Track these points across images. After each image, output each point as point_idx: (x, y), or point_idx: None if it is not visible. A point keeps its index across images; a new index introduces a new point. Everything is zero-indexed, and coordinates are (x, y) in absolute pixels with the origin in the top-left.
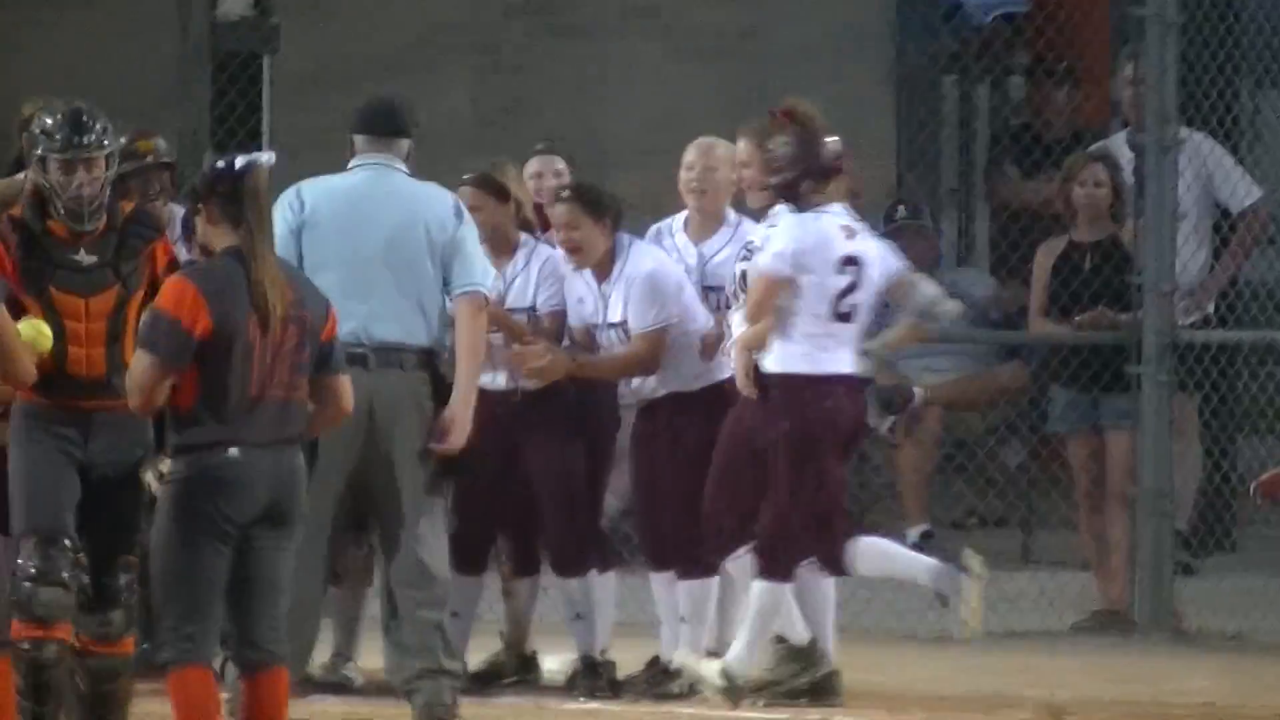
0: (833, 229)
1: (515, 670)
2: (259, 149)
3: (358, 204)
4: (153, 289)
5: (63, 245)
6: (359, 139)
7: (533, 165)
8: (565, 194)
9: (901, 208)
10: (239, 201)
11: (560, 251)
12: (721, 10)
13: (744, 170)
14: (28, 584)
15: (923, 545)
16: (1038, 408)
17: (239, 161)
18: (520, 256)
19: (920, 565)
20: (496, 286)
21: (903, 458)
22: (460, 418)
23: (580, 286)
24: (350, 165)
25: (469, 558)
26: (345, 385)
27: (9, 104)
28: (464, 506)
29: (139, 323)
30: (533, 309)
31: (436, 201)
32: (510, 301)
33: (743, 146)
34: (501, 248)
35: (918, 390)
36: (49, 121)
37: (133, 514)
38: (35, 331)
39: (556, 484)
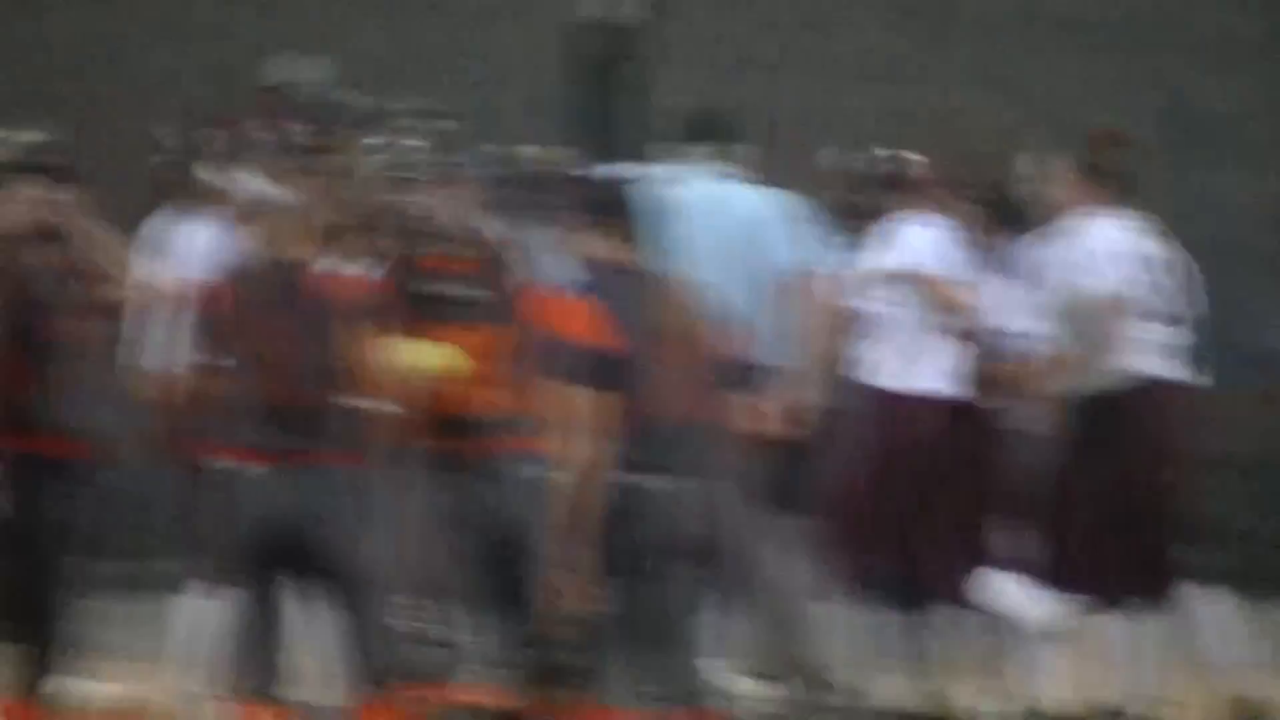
0: None
1: None
2: (646, 160)
3: (708, 212)
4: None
5: (437, 274)
6: (691, 150)
7: None
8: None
9: None
10: (627, 215)
11: None
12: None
13: None
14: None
15: None
16: None
17: (626, 173)
18: None
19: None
20: None
21: None
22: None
23: None
24: (685, 174)
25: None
26: (742, 405)
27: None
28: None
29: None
30: None
31: (772, 203)
32: None
33: None
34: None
35: None
36: (415, 143)
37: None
38: (428, 357)
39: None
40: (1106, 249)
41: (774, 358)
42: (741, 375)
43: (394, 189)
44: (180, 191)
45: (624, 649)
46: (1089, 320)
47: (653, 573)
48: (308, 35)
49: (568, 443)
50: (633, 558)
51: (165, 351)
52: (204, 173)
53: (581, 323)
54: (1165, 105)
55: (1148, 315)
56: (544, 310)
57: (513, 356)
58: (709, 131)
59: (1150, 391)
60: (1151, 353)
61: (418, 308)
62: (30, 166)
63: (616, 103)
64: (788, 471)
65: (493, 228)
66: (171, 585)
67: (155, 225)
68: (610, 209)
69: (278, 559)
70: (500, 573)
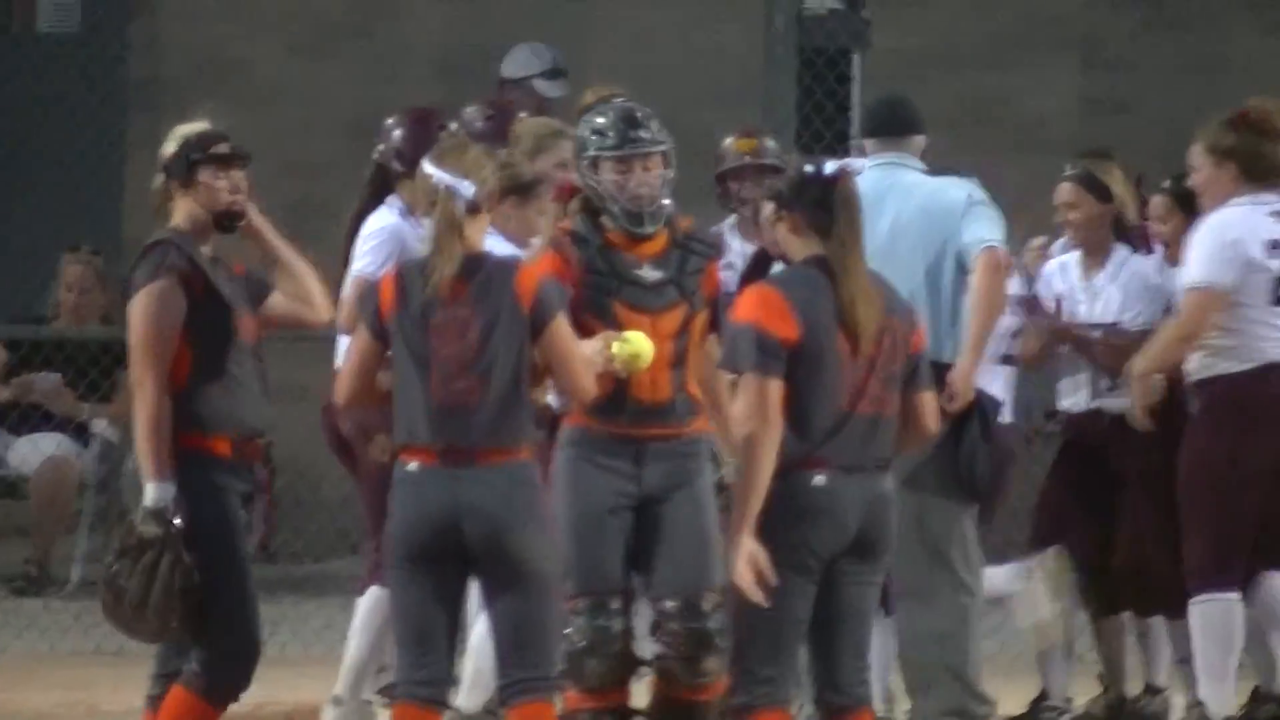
0: None
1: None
2: (846, 153)
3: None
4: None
5: (626, 259)
6: (869, 143)
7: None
8: (1071, 171)
9: None
10: (829, 210)
11: (1151, 264)
12: None
13: None
14: (581, 656)
15: None
16: None
17: (829, 167)
18: (1111, 265)
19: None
20: (1081, 297)
21: None
22: (964, 377)
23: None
24: (869, 166)
25: None
26: (931, 403)
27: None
28: None
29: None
30: (1114, 325)
31: (950, 192)
32: (1096, 314)
33: None
34: (1093, 251)
35: None
36: (600, 120)
37: (701, 546)
38: (637, 347)
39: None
40: (1234, 236)
41: (951, 354)
42: (928, 372)
43: (598, 170)
44: (402, 187)
45: (799, 648)
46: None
47: (822, 572)
48: (502, 19)
49: (744, 432)
50: (803, 554)
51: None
52: (429, 167)
53: (768, 312)
54: None
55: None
56: (734, 299)
57: (699, 342)
58: (888, 122)
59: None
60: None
61: (608, 291)
62: (239, 155)
63: (820, 93)
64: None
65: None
66: (339, 586)
67: (380, 221)
68: (806, 200)
69: (448, 558)
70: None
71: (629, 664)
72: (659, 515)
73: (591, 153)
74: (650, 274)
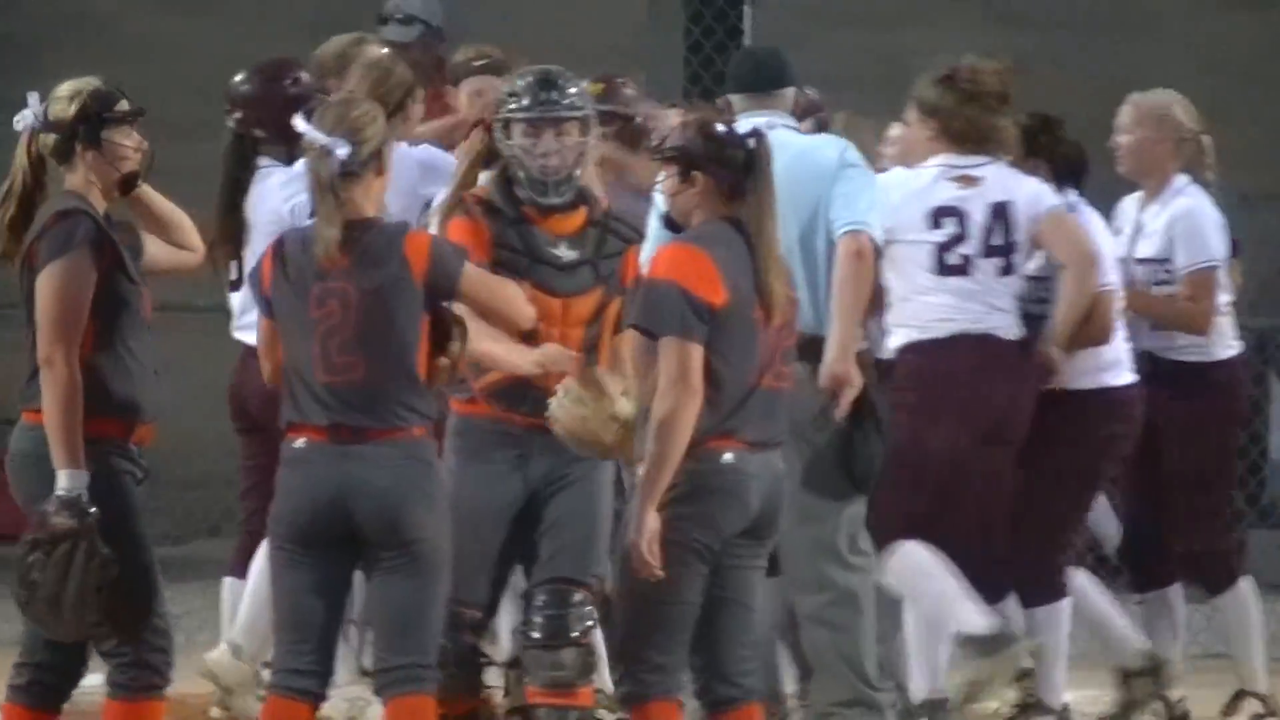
0: None
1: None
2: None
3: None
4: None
5: (540, 236)
6: (735, 100)
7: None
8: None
9: None
10: (748, 172)
11: None
12: None
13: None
14: (537, 650)
15: None
16: None
17: (743, 128)
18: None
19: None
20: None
21: None
22: (838, 369)
23: None
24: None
25: None
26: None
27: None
28: None
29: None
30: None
31: (822, 151)
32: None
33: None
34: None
35: None
36: (518, 82)
37: (582, 542)
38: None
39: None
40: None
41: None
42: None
43: (510, 133)
44: (269, 150)
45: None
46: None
47: (732, 554)
48: None
49: (664, 403)
50: (708, 536)
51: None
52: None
53: (694, 272)
54: None
55: None
56: (659, 254)
57: (611, 329)
58: (754, 77)
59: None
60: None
61: (517, 270)
62: (135, 113)
63: (709, 47)
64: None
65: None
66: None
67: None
68: (723, 161)
69: (334, 541)
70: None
71: (475, 675)
72: (544, 508)
73: (504, 114)
74: (565, 254)
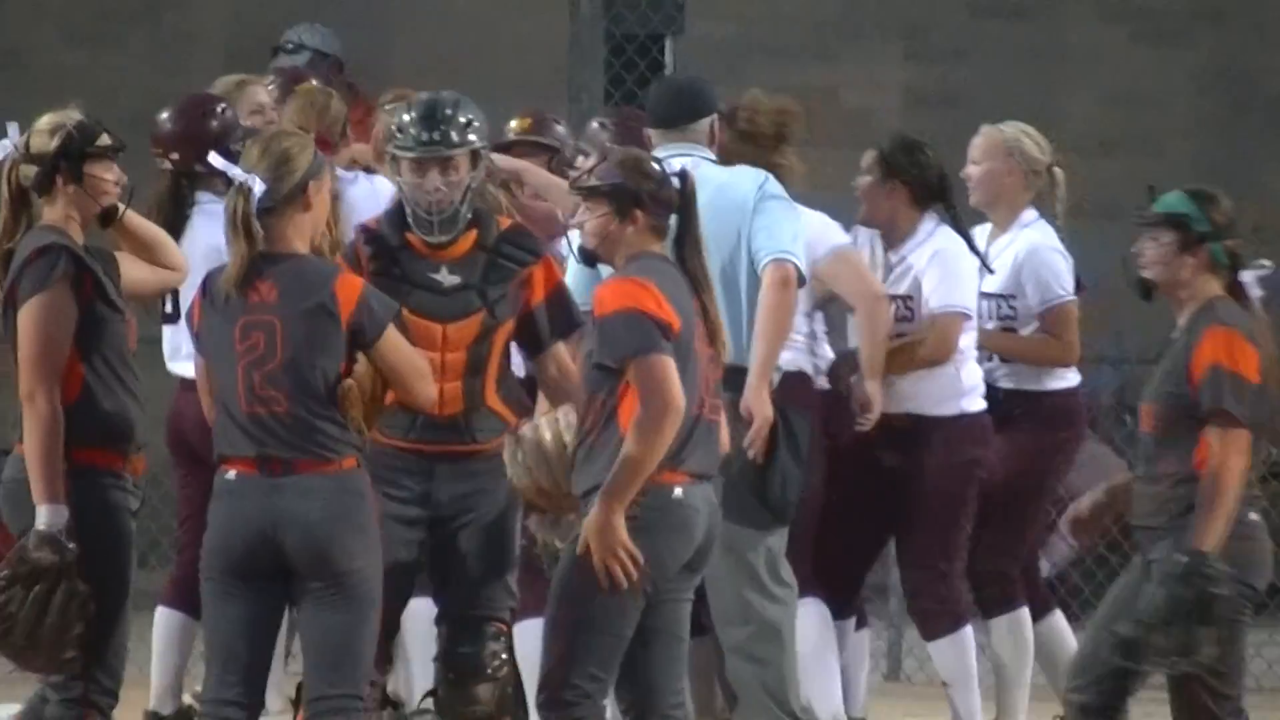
0: None
1: None
2: None
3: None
4: (525, 322)
5: (422, 262)
6: (653, 134)
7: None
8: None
9: None
10: (681, 210)
11: None
12: None
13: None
14: (452, 685)
15: None
16: None
17: (673, 166)
18: None
19: None
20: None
21: None
22: (757, 400)
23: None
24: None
25: None
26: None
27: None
28: None
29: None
30: None
31: (741, 184)
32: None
33: None
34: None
35: None
36: (403, 116)
37: (490, 573)
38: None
39: None
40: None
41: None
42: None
43: (399, 169)
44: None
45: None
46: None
47: (667, 588)
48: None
49: (647, 417)
50: (656, 571)
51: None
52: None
53: (645, 298)
54: None
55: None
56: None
57: (500, 352)
58: (670, 111)
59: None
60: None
61: (396, 296)
62: (116, 148)
63: (631, 81)
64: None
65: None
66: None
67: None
68: (654, 200)
69: (265, 574)
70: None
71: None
72: (451, 538)
73: (391, 149)
74: (447, 278)
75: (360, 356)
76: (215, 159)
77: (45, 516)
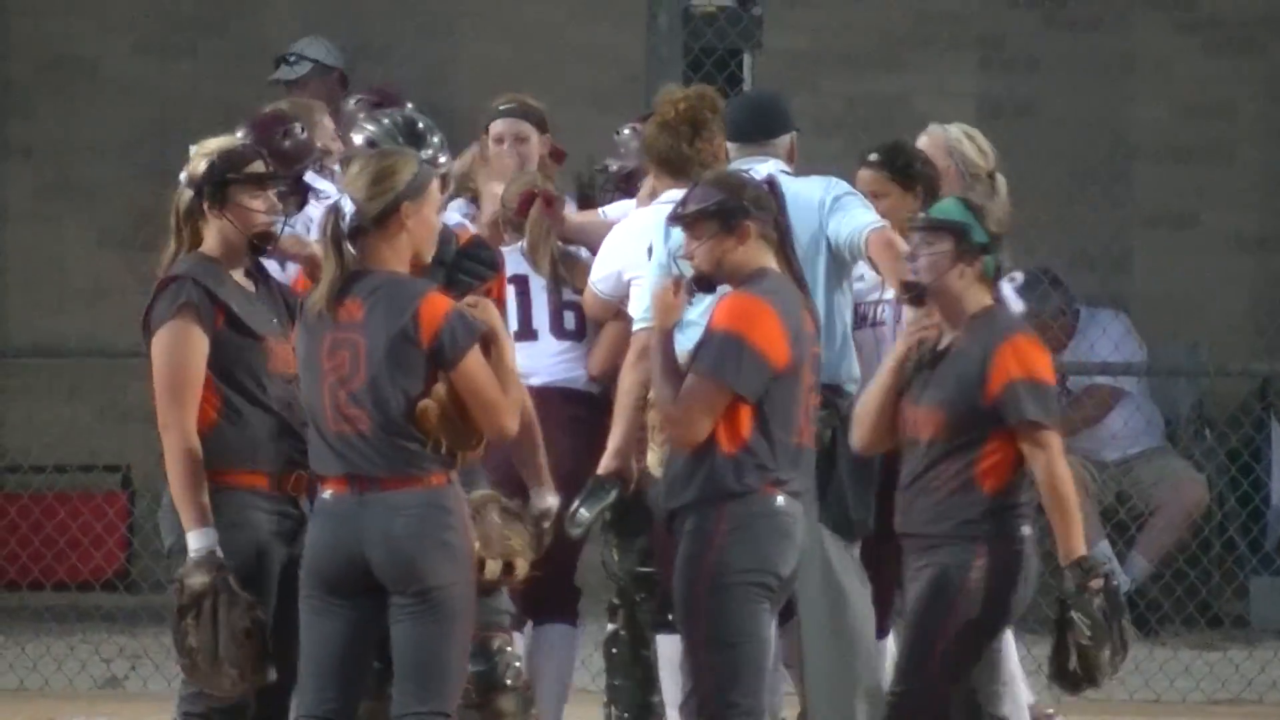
0: None
1: None
2: None
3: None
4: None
5: None
6: (732, 149)
7: (497, 127)
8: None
9: None
10: (778, 221)
11: None
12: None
13: None
14: None
15: None
16: None
17: (762, 175)
18: None
19: None
20: None
21: None
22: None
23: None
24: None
25: None
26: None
27: (451, 101)
28: None
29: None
30: None
31: (807, 191)
32: None
33: None
34: None
35: None
36: (372, 129)
37: (482, 593)
38: None
39: None
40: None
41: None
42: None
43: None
44: None
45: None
46: None
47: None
48: (366, 14)
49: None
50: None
51: None
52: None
53: (749, 322)
54: None
55: None
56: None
57: None
58: (749, 126)
59: None
60: None
61: None
62: (273, 175)
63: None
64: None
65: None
66: None
67: None
68: (759, 212)
69: (358, 590)
70: None
71: None
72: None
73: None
74: None
75: (444, 377)
76: (311, 178)
77: (194, 541)
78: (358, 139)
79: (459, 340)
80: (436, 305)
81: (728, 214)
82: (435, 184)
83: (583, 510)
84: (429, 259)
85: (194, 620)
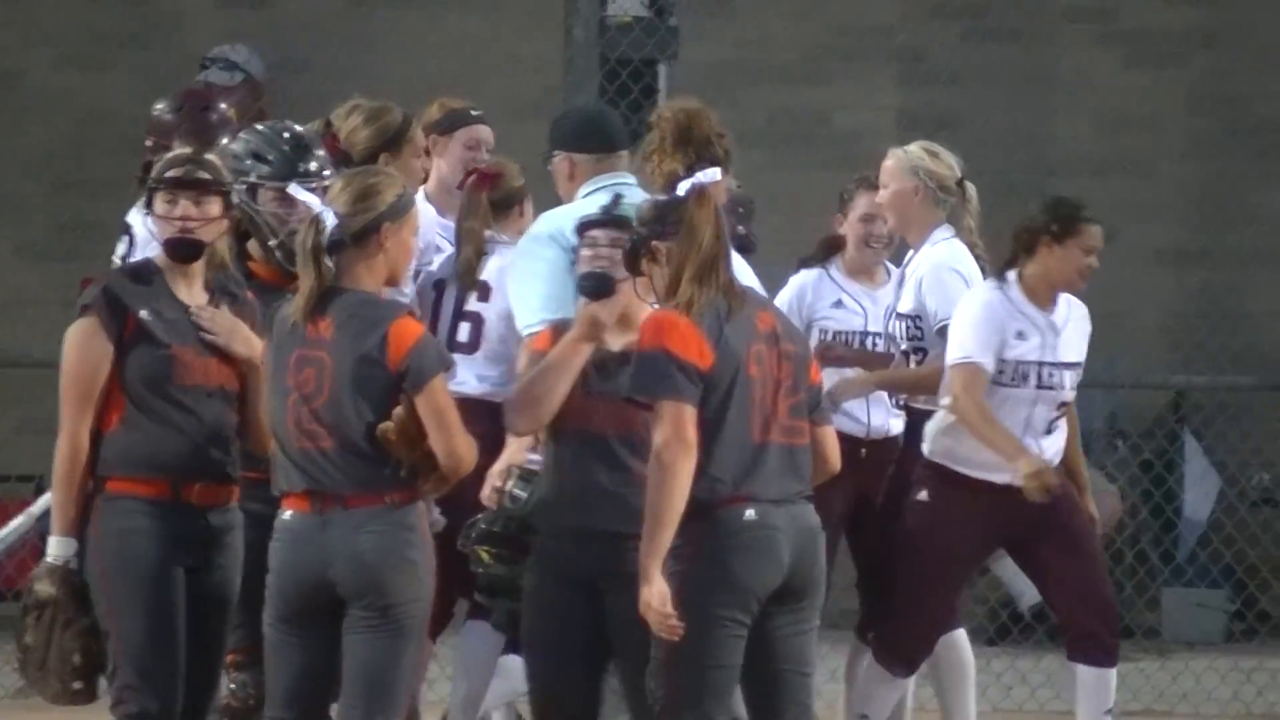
0: None
1: None
2: None
3: None
4: None
5: (272, 293)
6: (580, 160)
7: (475, 133)
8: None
9: None
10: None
11: None
12: (1177, 12)
13: None
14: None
15: None
16: None
17: (684, 187)
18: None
19: None
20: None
21: None
22: None
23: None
24: (584, 192)
25: None
26: (832, 437)
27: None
28: None
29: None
30: None
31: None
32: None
33: None
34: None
35: None
36: (258, 139)
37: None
38: None
39: None
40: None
41: None
42: None
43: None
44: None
45: None
46: None
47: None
48: (286, 28)
49: None
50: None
51: None
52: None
53: (663, 334)
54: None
55: None
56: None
57: None
58: (592, 140)
59: None
60: None
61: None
62: (186, 181)
63: (624, 106)
64: None
65: None
66: None
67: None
68: (667, 226)
69: (320, 611)
70: None
71: None
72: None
73: (251, 178)
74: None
75: (407, 400)
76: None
77: (51, 548)
78: (235, 147)
79: (426, 366)
80: (406, 330)
81: (632, 253)
82: (416, 209)
83: (516, 490)
84: (401, 282)
85: (34, 621)
